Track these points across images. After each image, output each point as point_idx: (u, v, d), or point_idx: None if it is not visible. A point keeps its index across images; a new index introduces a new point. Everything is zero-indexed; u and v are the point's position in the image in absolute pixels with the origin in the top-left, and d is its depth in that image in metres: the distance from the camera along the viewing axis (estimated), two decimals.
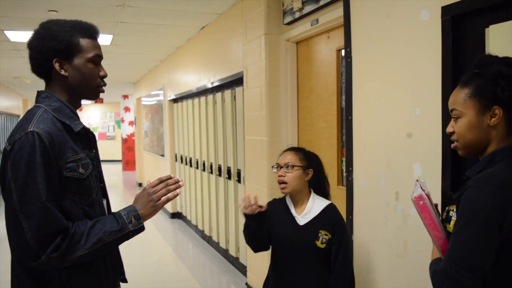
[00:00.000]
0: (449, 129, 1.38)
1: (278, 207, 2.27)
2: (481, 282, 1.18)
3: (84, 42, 1.51)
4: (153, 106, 9.04)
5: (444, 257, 1.26)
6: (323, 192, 2.29)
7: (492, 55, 1.36)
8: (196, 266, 5.18)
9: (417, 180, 1.47)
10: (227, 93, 4.79)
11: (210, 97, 5.36)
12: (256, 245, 2.27)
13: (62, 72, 1.49)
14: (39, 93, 1.53)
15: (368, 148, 2.45)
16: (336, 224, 2.15)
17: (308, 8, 3.11)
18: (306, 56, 3.47)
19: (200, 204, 6.03)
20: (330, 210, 2.19)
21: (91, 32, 1.54)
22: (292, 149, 2.28)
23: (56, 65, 1.48)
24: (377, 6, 2.33)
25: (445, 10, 1.89)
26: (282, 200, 2.29)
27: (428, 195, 1.37)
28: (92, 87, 1.56)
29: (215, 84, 5.00)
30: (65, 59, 1.49)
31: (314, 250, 2.11)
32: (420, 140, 2.07)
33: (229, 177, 4.86)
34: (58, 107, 1.48)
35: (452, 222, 1.30)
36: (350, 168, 2.59)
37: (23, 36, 5.40)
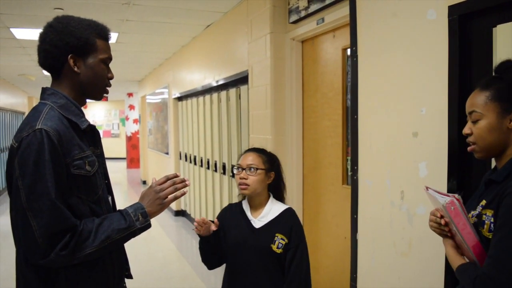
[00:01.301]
0: (466, 130, 1.41)
1: (233, 212, 2.18)
2: None
3: (99, 42, 1.53)
4: (157, 104, 9.05)
5: (488, 262, 1.25)
6: (280, 196, 2.20)
7: None
8: (200, 264, 5.16)
9: (427, 189, 1.46)
10: (232, 91, 4.79)
11: (215, 95, 5.36)
12: (212, 263, 2.20)
13: (75, 69, 1.50)
14: (44, 89, 1.52)
15: (373, 147, 2.44)
16: (294, 229, 2.05)
17: (314, 7, 3.11)
18: (312, 55, 3.46)
19: (204, 202, 6.04)
20: (287, 214, 2.11)
21: (106, 34, 1.57)
22: (254, 150, 2.19)
23: (71, 61, 1.48)
24: (383, 5, 2.32)
25: (452, 9, 1.88)
26: (238, 204, 2.20)
27: (458, 200, 1.35)
28: (101, 87, 1.58)
29: (220, 82, 5.00)
30: (79, 56, 1.50)
31: (269, 255, 2.02)
32: (426, 139, 2.07)
33: (233, 175, 4.86)
34: (64, 104, 1.48)
35: (486, 227, 1.31)
36: (355, 167, 2.59)
37: (28, 33, 5.42)
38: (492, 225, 1.29)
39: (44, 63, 1.51)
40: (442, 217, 1.41)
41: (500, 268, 1.21)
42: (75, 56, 1.49)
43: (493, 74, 1.41)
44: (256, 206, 2.13)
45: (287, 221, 2.07)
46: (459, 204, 1.34)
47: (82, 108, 1.60)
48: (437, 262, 1.98)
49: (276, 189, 2.19)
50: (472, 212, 1.38)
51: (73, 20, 1.51)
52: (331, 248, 3.23)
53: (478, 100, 1.38)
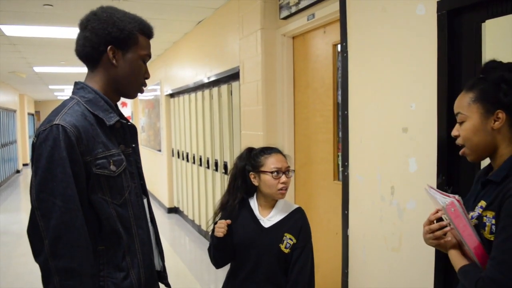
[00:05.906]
0: (454, 132, 1.43)
1: (240, 210, 2.10)
2: None
3: (141, 38, 1.49)
4: (150, 101, 9.01)
5: (490, 264, 1.24)
6: None
7: (496, 61, 1.40)
8: (193, 260, 5.19)
9: (427, 188, 1.45)
10: (224, 87, 4.78)
11: (206, 91, 5.35)
12: (223, 262, 2.10)
13: (114, 61, 1.45)
14: (75, 84, 1.47)
15: (364, 142, 2.45)
16: (302, 229, 2.02)
17: (304, 3, 3.10)
18: (303, 50, 3.46)
19: (197, 199, 6.03)
20: (297, 213, 2.07)
21: (150, 31, 1.54)
22: (280, 151, 2.12)
23: (110, 53, 1.43)
24: (373, 0, 2.32)
25: (441, 4, 1.88)
26: (245, 201, 2.12)
27: (459, 201, 1.34)
28: (136, 84, 1.53)
29: (212, 78, 4.99)
30: (119, 49, 1.45)
31: (277, 255, 1.98)
32: (416, 134, 2.07)
33: (226, 172, 4.86)
34: (92, 98, 1.42)
35: (487, 229, 1.30)
36: (346, 163, 2.59)
37: (18, 30, 5.36)
38: (493, 227, 1.28)
39: (82, 51, 1.45)
40: (438, 221, 1.40)
41: (503, 270, 1.20)
42: (115, 48, 1.44)
43: (481, 75, 1.40)
44: (267, 205, 2.08)
45: (297, 221, 2.03)
46: (459, 205, 1.33)
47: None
48: (427, 257, 1.99)
49: None
50: (472, 214, 1.37)
51: (117, 12, 1.47)
52: (323, 243, 3.24)
53: (462, 102, 1.39)
